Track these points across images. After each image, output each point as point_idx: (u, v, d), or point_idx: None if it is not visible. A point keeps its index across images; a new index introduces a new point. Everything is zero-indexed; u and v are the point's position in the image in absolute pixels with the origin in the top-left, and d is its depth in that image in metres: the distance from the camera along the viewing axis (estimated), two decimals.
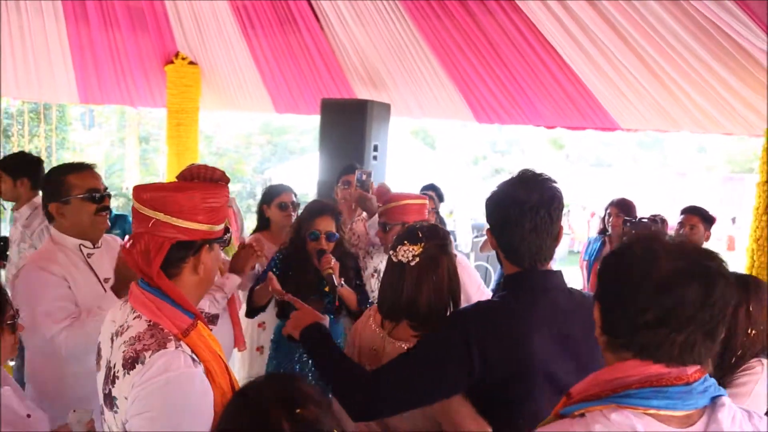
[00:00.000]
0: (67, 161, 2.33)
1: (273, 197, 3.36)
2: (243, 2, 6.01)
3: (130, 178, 13.51)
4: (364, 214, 3.40)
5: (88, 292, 2.09)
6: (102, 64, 6.77)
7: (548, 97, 5.36)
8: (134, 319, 1.29)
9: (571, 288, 1.57)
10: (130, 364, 1.22)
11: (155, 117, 13.71)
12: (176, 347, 1.22)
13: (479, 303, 1.64)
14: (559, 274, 1.56)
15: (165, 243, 1.27)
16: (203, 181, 1.39)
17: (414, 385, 1.46)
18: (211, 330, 1.40)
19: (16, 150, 10.00)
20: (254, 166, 18.97)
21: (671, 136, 20.46)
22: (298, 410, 0.93)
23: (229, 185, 1.46)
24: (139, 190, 1.32)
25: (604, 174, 20.59)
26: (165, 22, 6.64)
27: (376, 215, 3.06)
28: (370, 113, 5.00)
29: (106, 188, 2.24)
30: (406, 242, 1.69)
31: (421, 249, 1.66)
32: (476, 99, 5.82)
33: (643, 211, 3.97)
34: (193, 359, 1.24)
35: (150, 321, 1.26)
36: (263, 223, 3.39)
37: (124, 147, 14.76)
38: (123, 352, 1.24)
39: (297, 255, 2.64)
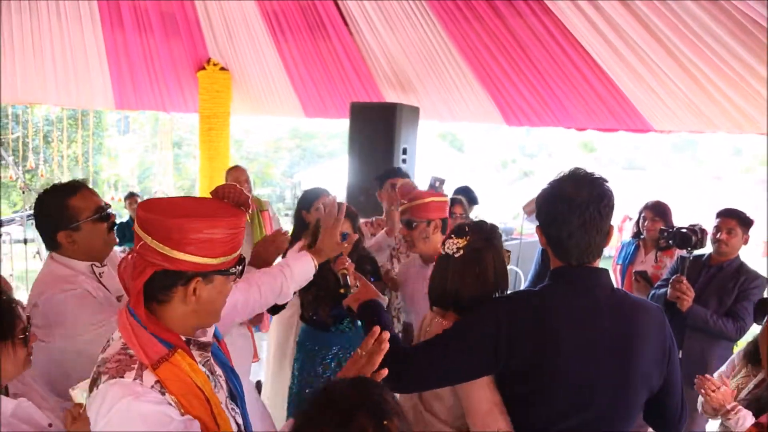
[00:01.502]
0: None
1: (312, 201, 3.26)
2: (273, 8, 6.10)
3: (163, 183, 13.78)
4: None
5: (110, 310, 1.95)
6: (137, 70, 6.95)
7: (579, 99, 5.30)
8: (118, 338, 1.25)
9: (616, 288, 1.57)
10: (92, 384, 1.20)
11: (187, 122, 13.96)
12: (135, 378, 1.16)
13: (517, 291, 1.70)
14: (604, 272, 1.55)
15: (148, 269, 1.20)
16: (222, 206, 1.32)
17: (441, 362, 1.52)
18: (202, 353, 1.32)
19: (56, 155, 10.32)
20: (283, 170, 19.19)
21: (705, 138, 19.98)
22: (385, 422, 0.94)
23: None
24: (141, 207, 1.25)
25: (636, 177, 20.22)
26: (197, 29, 6.78)
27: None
28: (399, 116, 5.02)
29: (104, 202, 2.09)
30: (453, 236, 1.77)
31: (465, 242, 1.72)
32: (506, 102, 5.79)
33: (677, 216, 3.88)
34: (161, 391, 1.17)
35: (125, 344, 1.22)
36: (302, 228, 3.23)
37: (157, 152, 15.07)
38: (93, 372, 1.22)
39: None
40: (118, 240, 2.14)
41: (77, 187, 2.01)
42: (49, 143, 10.32)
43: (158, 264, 1.20)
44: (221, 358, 1.42)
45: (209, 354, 1.33)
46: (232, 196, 1.39)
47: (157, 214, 1.20)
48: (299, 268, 1.93)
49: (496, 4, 4.81)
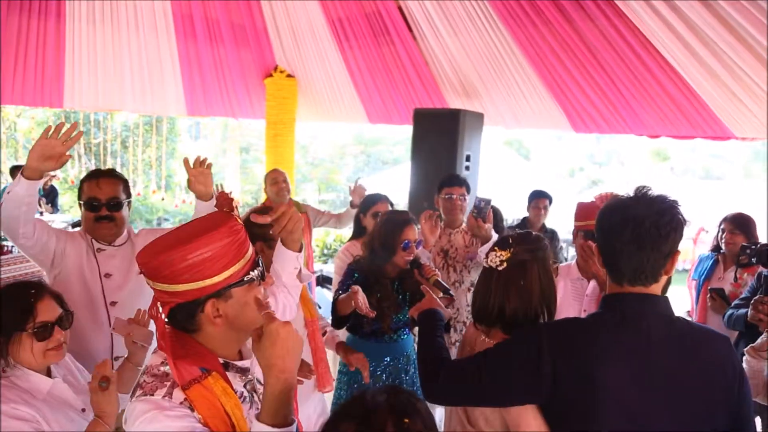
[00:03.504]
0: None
1: (369, 206, 3.48)
2: (338, 15, 6.18)
3: (232, 186, 14.24)
4: (464, 224, 3.35)
5: (80, 271, 2.29)
6: (208, 78, 7.19)
7: (652, 105, 5.05)
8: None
9: (677, 317, 1.43)
10: (132, 394, 1.25)
11: (255, 128, 14.36)
12: (164, 396, 1.18)
13: (565, 318, 1.60)
14: (662, 300, 1.43)
15: (164, 308, 1.24)
16: (204, 223, 1.27)
17: (474, 381, 1.46)
18: (242, 376, 1.32)
19: (132, 159, 10.85)
20: (348, 175, 19.41)
21: None
22: (405, 420, 0.99)
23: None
24: (138, 257, 1.26)
25: (713, 188, 19.16)
26: (265, 37, 6.96)
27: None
28: (463, 123, 4.96)
29: (114, 198, 2.34)
30: (496, 248, 1.69)
31: (509, 255, 1.65)
32: (573, 107, 5.60)
33: (761, 230, 3.61)
34: (189, 407, 1.19)
35: (165, 359, 1.23)
36: (359, 231, 3.52)
37: (226, 157, 15.59)
38: (138, 378, 1.28)
39: (378, 267, 2.68)
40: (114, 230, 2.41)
41: (98, 174, 2.42)
42: (127, 148, 10.89)
43: (169, 301, 1.22)
44: None
45: (251, 377, 1.34)
46: (228, 205, 1.36)
47: (147, 258, 1.21)
48: (281, 266, 1.77)
49: (565, 7, 4.67)
